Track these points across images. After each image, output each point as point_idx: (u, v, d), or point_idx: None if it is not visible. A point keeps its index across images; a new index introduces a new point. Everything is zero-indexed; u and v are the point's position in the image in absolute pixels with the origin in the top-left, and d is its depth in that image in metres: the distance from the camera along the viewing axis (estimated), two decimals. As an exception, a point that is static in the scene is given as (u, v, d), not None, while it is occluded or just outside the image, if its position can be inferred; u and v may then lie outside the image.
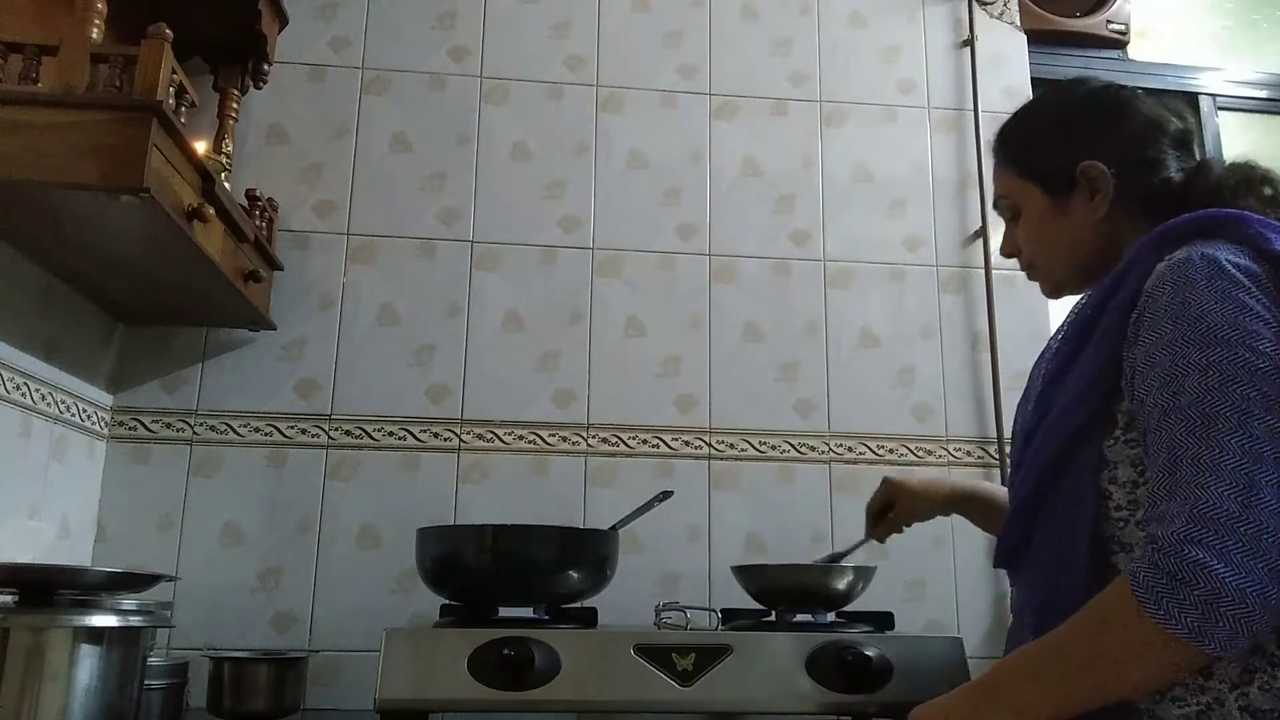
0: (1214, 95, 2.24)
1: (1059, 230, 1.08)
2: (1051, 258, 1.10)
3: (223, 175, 1.58)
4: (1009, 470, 1.05)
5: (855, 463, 1.85)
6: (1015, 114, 1.15)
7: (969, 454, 1.89)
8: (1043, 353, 1.12)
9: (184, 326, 1.74)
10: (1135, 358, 0.89)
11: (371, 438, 1.75)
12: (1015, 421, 1.12)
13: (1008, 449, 1.88)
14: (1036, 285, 2.02)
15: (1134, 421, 0.91)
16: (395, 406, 1.77)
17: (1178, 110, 1.08)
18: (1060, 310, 2.01)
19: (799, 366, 1.89)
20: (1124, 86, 1.10)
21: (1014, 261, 1.97)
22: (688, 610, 1.47)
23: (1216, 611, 0.76)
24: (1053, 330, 1.94)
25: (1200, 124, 2.18)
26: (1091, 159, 1.04)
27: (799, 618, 1.43)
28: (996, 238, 1.98)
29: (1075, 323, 1.00)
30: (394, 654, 1.18)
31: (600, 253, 1.89)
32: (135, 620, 1.14)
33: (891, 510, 1.40)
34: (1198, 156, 1.06)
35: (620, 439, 1.81)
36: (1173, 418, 0.84)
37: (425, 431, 1.77)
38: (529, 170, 1.91)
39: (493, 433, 1.78)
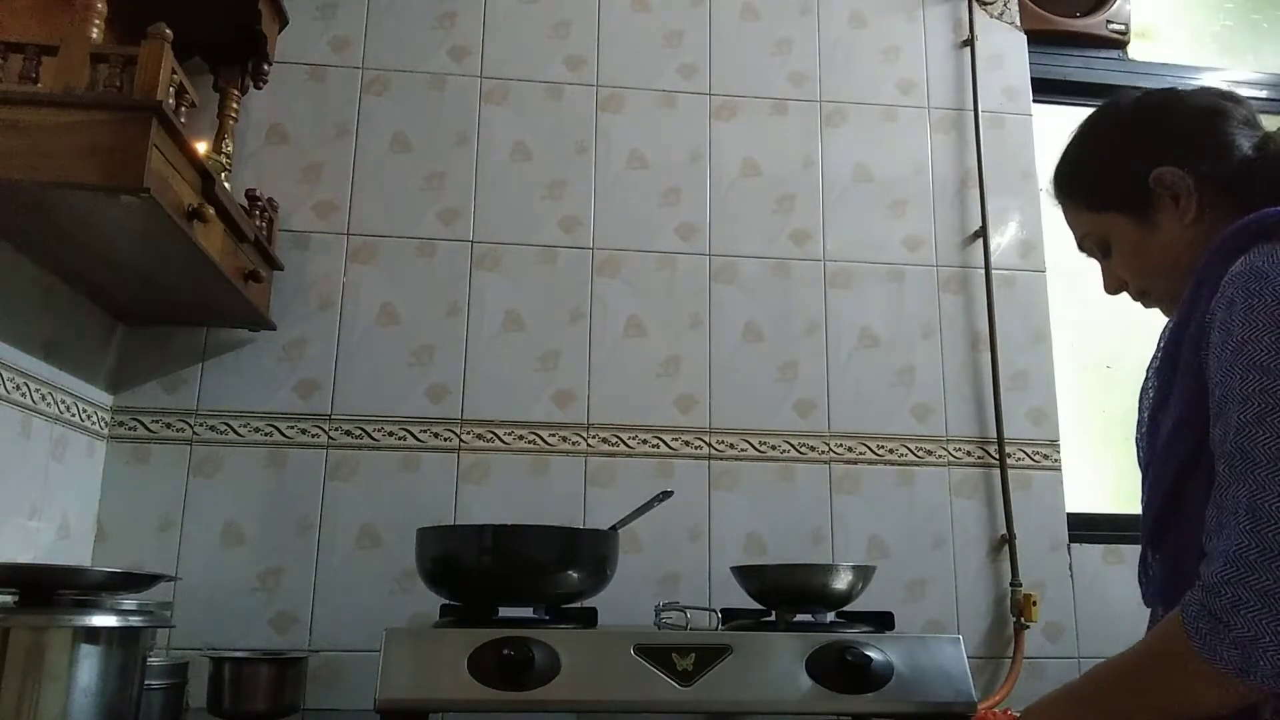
0: (1214, 95, 2.24)
1: (1157, 248, 1.02)
2: (1160, 277, 1.04)
3: (223, 175, 1.58)
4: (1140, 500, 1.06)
5: (855, 463, 1.85)
6: (1063, 152, 1.12)
7: (969, 454, 1.88)
8: (1144, 382, 1.06)
9: (184, 326, 1.74)
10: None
11: (371, 438, 1.75)
12: (1136, 451, 1.06)
13: (1008, 449, 1.88)
14: (1036, 285, 2.04)
15: None
16: (395, 406, 1.77)
17: (1226, 94, 1.05)
18: (1060, 309, 2.01)
19: (799, 366, 1.89)
20: (1163, 88, 1.06)
21: (1014, 261, 2.01)
22: (688, 610, 1.47)
23: (1257, 650, 0.76)
24: (1053, 327, 1.95)
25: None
26: (1161, 165, 0.99)
27: (799, 618, 1.43)
28: (996, 238, 2.00)
29: (1163, 351, 0.98)
30: (394, 654, 1.19)
31: (600, 253, 1.89)
32: (135, 620, 1.13)
33: None
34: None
35: (620, 439, 1.81)
36: (1221, 451, 0.83)
37: (425, 431, 1.77)
38: (529, 170, 1.91)
39: (493, 433, 1.78)
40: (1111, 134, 1.08)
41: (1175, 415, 0.93)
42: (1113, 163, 1.05)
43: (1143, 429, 1.03)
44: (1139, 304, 1.10)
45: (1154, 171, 1.00)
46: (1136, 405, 1.06)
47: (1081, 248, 1.12)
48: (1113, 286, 1.10)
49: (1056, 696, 0.96)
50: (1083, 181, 1.09)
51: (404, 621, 1.66)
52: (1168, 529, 0.96)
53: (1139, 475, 1.04)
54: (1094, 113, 1.12)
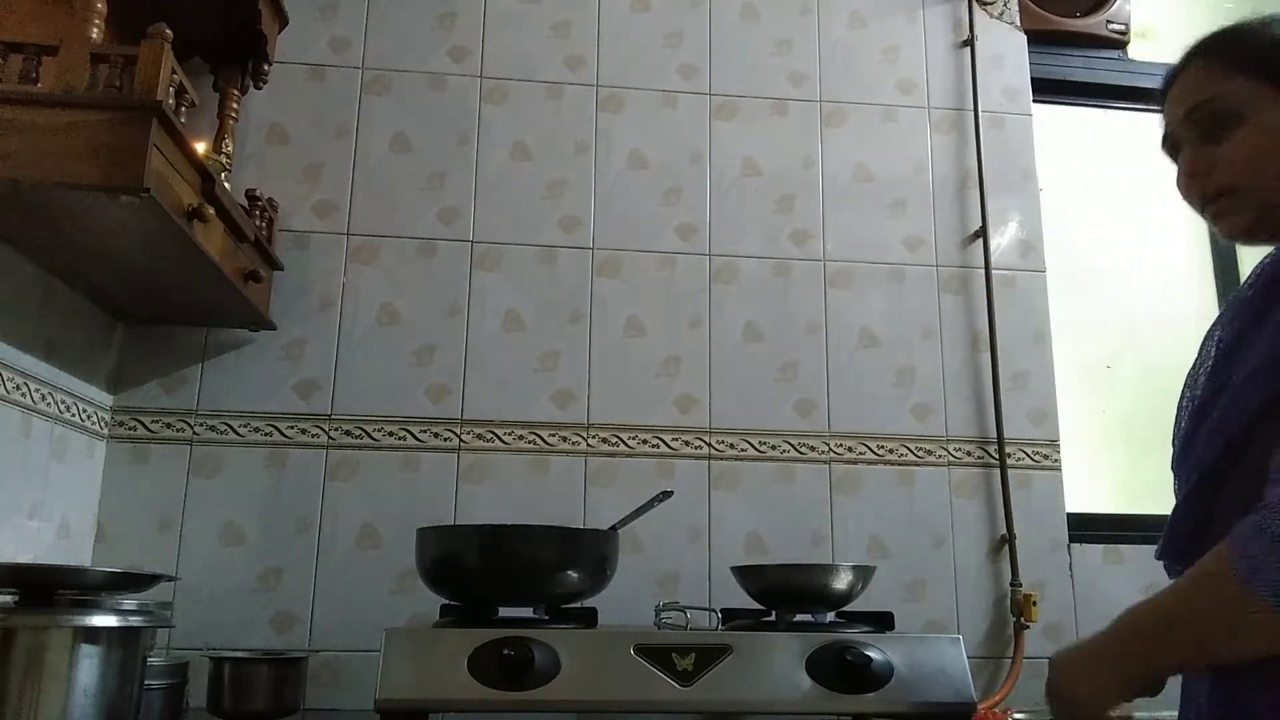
0: (1214, 95, 2.23)
1: None
2: (1266, 177, 0.92)
3: (223, 175, 1.58)
4: (1172, 455, 0.96)
5: (855, 463, 1.85)
6: (1242, 20, 1.00)
7: (969, 454, 1.88)
8: (1219, 316, 0.97)
9: (184, 326, 1.74)
10: None
11: (371, 438, 1.75)
12: (1183, 394, 0.98)
13: (1008, 449, 1.88)
14: (1036, 285, 2.03)
15: None
16: (395, 406, 1.77)
17: None
18: (1060, 309, 2.01)
19: (799, 366, 1.88)
20: None
21: (1014, 261, 2.00)
22: (688, 610, 1.47)
23: None
24: (1053, 327, 1.95)
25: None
26: None
27: (799, 618, 1.43)
28: (996, 238, 2.00)
29: (1262, 284, 0.90)
30: (394, 654, 1.18)
31: (600, 253, 1.89)
32: (135, 620, 1.13)
33: None
34: None
35: (620, 439, 1.81)
36: None
37: (425, 431, 1.77)
38: (529, 170, 1.91)
39: (493, 433, 1.78)
40: None
41: (1268, 350, 0.84)
42: None
43: (1207, 365, 0.94)
44: (1205, 205, 0.97)
45: None
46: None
47: (1188, 119, 0.97)
48: (1193, 171, 0.97)
49: (1089, 649, 0.91)
50: (1246, 41, 0.97)
51: (404, 621, 1.66)
52: (1227, 474, 0.88)
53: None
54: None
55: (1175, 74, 1.01)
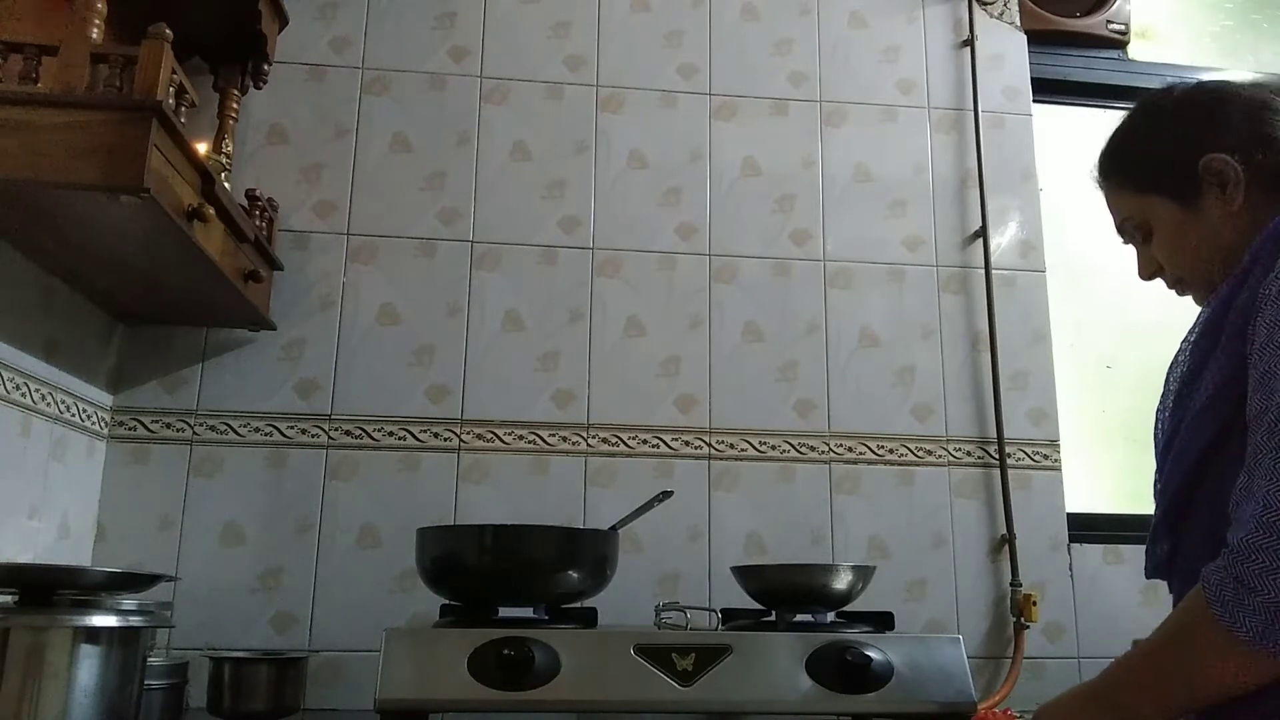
0: (1214, 95, 2.23)
1: (1199, 234, 1.02)
2: (1199, 264, 1.04)
3: (223, 175, 1.58)
4: (1154, 475, 1.05)
5: (855, 463, 1.85)
6: (1113, 135, 1.12)
7: (969, 454, 1.88)
8: (1176, 355, 1.06)
9: (184, 326, 1.74)
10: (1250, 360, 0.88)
11: (371, 438, 1.75)
12: (1155, 426, 1.07)
13: (1008, 449, 1.88)
14: (1036, 285, 2.04)
15: None
16: (395, 406, 1.77)
17: (1278, 89, 1.05)
18: (1060, 309, 2.01)
19: (799, 366, 1.88)
20: (1217, 80, 1.07)
21: (1014, 261, 2.01)
22: (688, 610, 1.47)
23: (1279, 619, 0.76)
24: (1053, 327, 1.95)
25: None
26: (1211, 152, 1.00)
27: (799, 618, 1.43)
28: (996, 238, 2.00)
29: (1203, 325, 0.98)
30: (394, 654, 1.19)
31: (600, 253, 1.89)
32: (135, 620, 1.14)
33: None
34: None
35: (620, 439, 1.81)
36: (1260, 421, 0.83)
37: (425, 431, 1.77)
38: (529, 170, 1.91)
39: (493, 433, 1.78)
40: (1163, 119, 1.07)
41: (1212, 386, 0.92)
42: (1163, 146, 1.05)
43: (1168, 401, 1.03)
44: (1173, 291, 1.10)
45: (1204, 158, 1.00)
46: (1142, 400, 1.06)
47: (1121, 231, 1.12)
48: (1148, 272, 1.11)
49: (1074, 691, 0.95)
50: (1131, 163, 1.09)
51: (404, 621, 1.66)
52: (1190, 502, 0.95)
53: (1151, 451, 1.04)
54: (1146, 98, 1.12)
55: (1099, 183, 1.14)
